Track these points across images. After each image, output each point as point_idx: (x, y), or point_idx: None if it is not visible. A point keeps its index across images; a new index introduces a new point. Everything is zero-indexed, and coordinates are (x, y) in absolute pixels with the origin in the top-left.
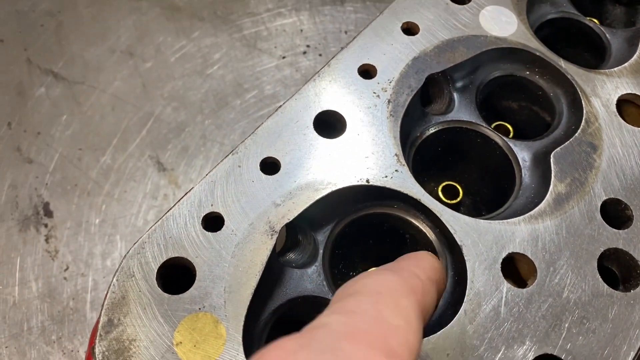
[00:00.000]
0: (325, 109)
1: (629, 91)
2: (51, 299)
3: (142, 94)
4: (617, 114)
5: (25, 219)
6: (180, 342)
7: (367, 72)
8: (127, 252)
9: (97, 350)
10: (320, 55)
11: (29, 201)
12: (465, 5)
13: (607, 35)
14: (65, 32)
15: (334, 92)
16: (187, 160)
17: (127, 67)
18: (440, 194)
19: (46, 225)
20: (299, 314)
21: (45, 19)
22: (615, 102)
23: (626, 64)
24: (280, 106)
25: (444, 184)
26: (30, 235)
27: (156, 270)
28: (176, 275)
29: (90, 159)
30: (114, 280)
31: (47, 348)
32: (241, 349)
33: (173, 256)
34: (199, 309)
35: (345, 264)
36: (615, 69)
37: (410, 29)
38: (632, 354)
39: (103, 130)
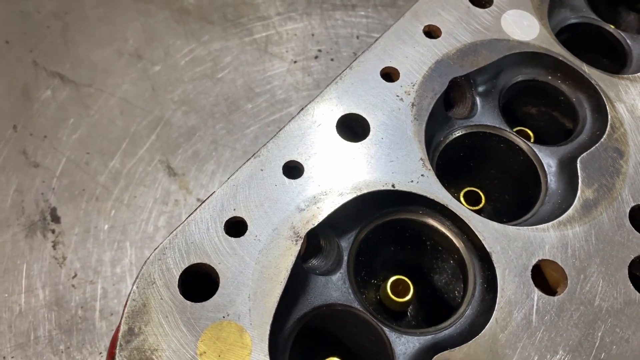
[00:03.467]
0: (348, 112)
1: None
2: (59, 307)
3: (151, 97)
4: None
5: (31, 224)
6: (204, 352)
7: (389, 75)
8: (148, 258)
9: None
10: (332, 59)
11: (36, 206)
12: (486, 9)
13: (628, 41)
14: (71, 33)
15: (357, 95)
16: (198, 165)
17: (135, 70)
18: (462, 199)
19: (53, 231)
20: (324, 322)
21: (51, 20)
22: None
23: None
24: (303, 108)
25: (465, 189)
26: (37, 241)
27: (178, 277)
28: (198, 282)
29: (99, 163)
30: (134, 287)
31: (54, 358)
32: (267, 359)
33: (195, 262)
34: (223, 317)
35: (367, 272)
36: (639, 74)
37: (431, 32)
38: None
39: (111, 134)
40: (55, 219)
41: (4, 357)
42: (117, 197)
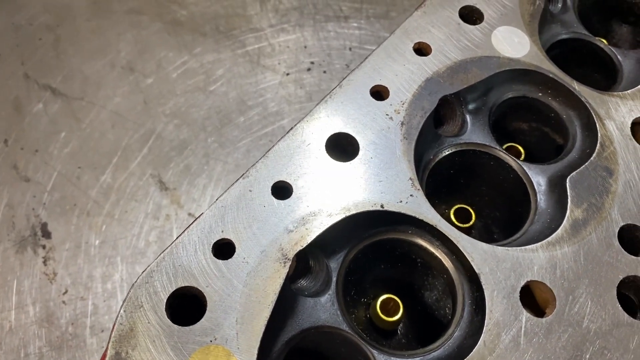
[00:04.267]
0: (337, 131)
1: None
2: (49, 323)
3: (143, 110)
4: (631, 137)
5: (22, 240)
6: None
7: (379, 93)
8: (135, 281)
9: None
10: (324, 72)
11: (26, 221)
12: (476, 26)
13: (619, 56)
14: (63, 46)
15: (346, 113)
16: (189, 179)
17: (127, 83)
18: (452, 217)
19: (44, 247)
20: (313, 344)
21: (43, 32)
22: (630, 125)
23: (639, 86)
24: (291, 128)
25: (456, 207)
26: (28, 257)
27: (165, 301)
28: (186, 306)
29: (90, 177)
30: (122, 311)
31: None
32: None
33: (183, 285)
34: (211, 341)
35: (357, 290)
36: (629, 91)
37: (422, 50)
38: None
39: (103, 148)
40: (46, 234)
41: None
42: (108, 212)
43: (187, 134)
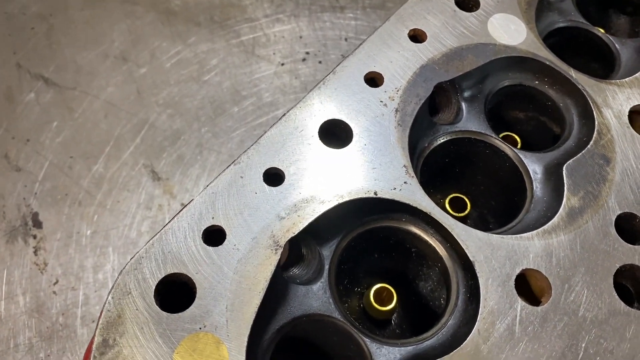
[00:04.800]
0: (330, 117)
1: None
2: (39, 314)
3: (136, 100)
4: (629, 125)
5: (12, 229)
6: None
7: (373, 80)
8: (124, 268)
9: None
10: (320, 62)
11: (17, 211)
12: (473, 13)
13: (617, 45)
14: (56, 35)
15: (340, 100)
16: (182, 169)
17: (121, 73)
18: (447, 206)
19: (35, 237)
20: (304, 333)
21: (36, 21)
22: (627, 113)
23: (637, 75)
24: (284, 114)
25: (451, 196)
26: (18, 247)
27: (154, 287)
28: (175, 292)
29: (82, 167)
30: (109, 297)
31: None
32: None
33: (172, 272)
34: (200, 328)
35: (350, 280)
36: (627, 79)
37: (417, 36)
38: None
39: (95, 137)
40: (37, 224)
41: None
42: (100, 202)
43: (180, 124)
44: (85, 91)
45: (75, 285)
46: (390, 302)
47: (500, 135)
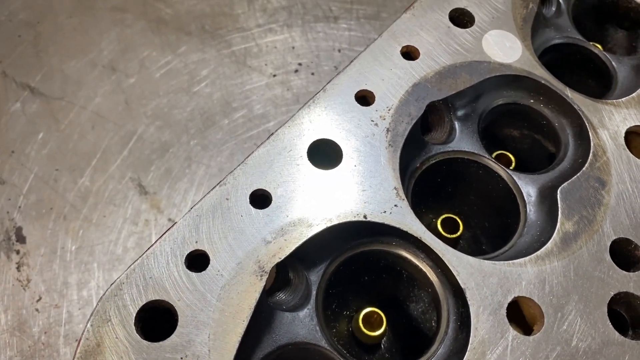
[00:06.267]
0: (320, 137)
1: (638, 123)
2: (21, 332)
3: (124, 111)
4: (625, 147)
5: None
6: None
7: (364, 98)
8: (104, 294)
9: None
10: (312, 73)
11: (0, 225)
12: (467, 29)
13: (613, 62)
14: (44, 43)
15: (330, 119)
16: (170, 183)
17: (109, 83)
18: (439, 226)
19: (18, 252)
20: None
21: (23, 29)
22: (623, 134)
23: (634, 95)
24: (272, 134)
25: (443, 216)
26: (1, 262)
27: (135, 315)
28: (157, 319)
29: (68, 180)
30: (88, 325)
31: None
32: None
33: (153, 299)
34: (181, 358)
35: (338, 304)
36: (623, 99)
37: (410, 53)
38: None
39: (82, 149)
40: (21, 238)
41: None
42: (85, 216)
43: (169, 136)
44: (72, 101)
45: (58, 302)
46: (379, 327)
47: (495, 154)
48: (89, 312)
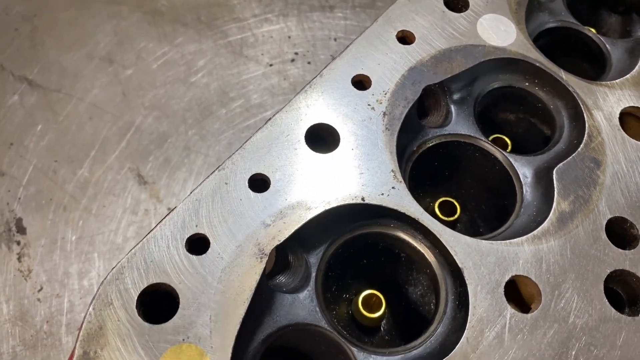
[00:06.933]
0: (317, 122)
1: (632, 104)
2: (23, 322)
3: (122, 102)
4: (620, 127)
5: None
6: None
7: (361, 83)
8: (105, 278)
9: None
10: (309, 62)
11: (0, 216)
12: (462, 14)
13: (607, 45)
14: (40, 36)
15: (327, 104)
16: (169, 172)
17: (106, 75)
18: (436, 210)
19: (19, 243)
20: (290, 342)
21: (20, 22)
22: (618, 115)
23: (628, 76)
24: (270, 119)
25: (440, 199)
26: (1, 253)
27: (136, 298)
28: (158, 303)
29: (67, 171)
30: (90, 308)
31: None
32: None
33: (154, 282)
34: (183, 340)
35: (338, 286)
36: (617, 80)
37: (405, 38)
38: None
39: (80, 141)
40: (21, 229)
41: None
42: (85, 207)
43: (167, 127)
44: (70, 93)
45: (60, 292)
46: (379, 309)
47: (491, 138)
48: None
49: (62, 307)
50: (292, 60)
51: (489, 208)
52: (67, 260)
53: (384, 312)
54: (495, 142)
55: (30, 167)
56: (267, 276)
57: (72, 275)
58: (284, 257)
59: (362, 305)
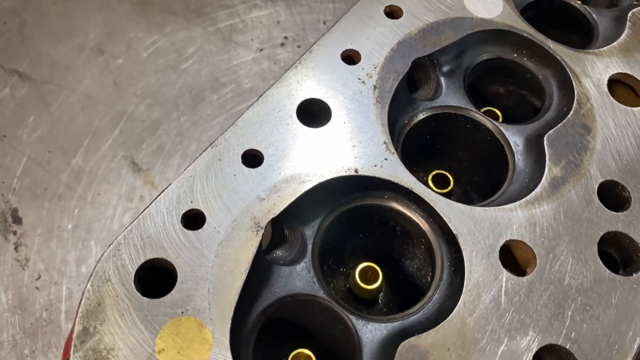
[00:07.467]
0: (308, 97)
1: (619, 71)
2: (22, 310)
3: (113, 92)
4: (608, 94)
5: None
6: (163, 349)
7: (350, 57)
8: (102, 255)
9: None
10: (299, 46)
11: None
12: None
13: (594, 15)
14: (29, 30)
15: (317, 79)
16: (163, 159)
17: (97, 65)
18: (430, 183)
19: (15, 233)
20: (289, 314)
21: (8, 16)
22: (606, 82)
23: (615, 44)
24: (260, 95)
25: (433, 172)
26: None
27: (134, 273)
28: (155, 279)
29: (61, 161)
30: (89, 285)
31: None
32: (229, 353)
33: (152, 257)
34: (182, 312)
35: (335, 260)
36: (604, 48)
37: (393, 12)
38: (639, 340)
39: (73, 131)
40: (17, 220)
41: None
42: (80, 195)
43: (159, 114)
44: (61, 85)
45: (58, 280)
46: (375, 281)
47: (482, 111)
48: None
49: (60, 295)
50: (282, 44)
51: (482, 179)
52: (64, 248)
53: (381, 284)
54: (487, 115)
55: (24, 158)
56: (265, 251)
57: (69, 262)
58: (280, 231)
59: (359, 277)
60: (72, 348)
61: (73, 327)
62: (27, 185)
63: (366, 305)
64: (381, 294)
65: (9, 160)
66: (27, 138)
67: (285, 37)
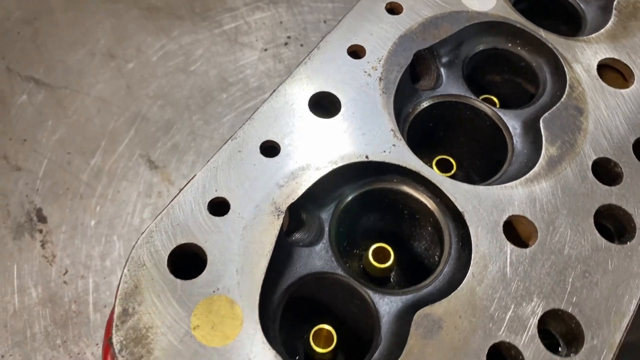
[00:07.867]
0: (318, 90)
1: (607, 56)
2: (52, 303)
3: (126, 94)
4: (598, 77)
5: (18, 226)
6: (198, 326)
7: (356, 52)
8: (136, 242)
9: (114, 341)
10: (301, 45)
11: (21, 208)
12: None
13: (582, 5)
14: (42, 38)
15: (326, 73)
16: (178, 156)
17: (109, 69)
18: (434, 168)
19: (41, 231)
20: (310, 291)
21: (21, 26)
22: (595, 67)
23: (602, 31)
24: (274, 90)
25: (437, 158)
26: (25, 242)
27: (167, 258)
28: (187, 262)
29: (80, 162)
30: (125, 270)
31: (52, 353)
32: (259, 327)
33: (182, 242)
34: (213, 291)
35: (349, 242)
36: (593, 35)
37: (394, 9)
38: (635, 302)
39: (90, 133)
40: (42, 219)
41: (2, 356)
42: (101, 194)
43: (171, 114)
44: (76, 89)
45: (84, 274)
46: (388, 260)
47: (480, 98)
48: (114, 280)
49: (87, 288)
50: (286, 43)
51: (483, 162)
52: (88, 244)
53: (393, 262)
54: (485, 102)
55: (45, 160)
56: (285, 234)
57: (94, 257)
58: (297, 216)
59: (373, 257)
60: (113, 328)
61: (113, 309)
62: (49, 186)
63: (379, 284)
64: (392, 273)
65: (30, 163)
66: (46, 141)
67: (288, 37)
